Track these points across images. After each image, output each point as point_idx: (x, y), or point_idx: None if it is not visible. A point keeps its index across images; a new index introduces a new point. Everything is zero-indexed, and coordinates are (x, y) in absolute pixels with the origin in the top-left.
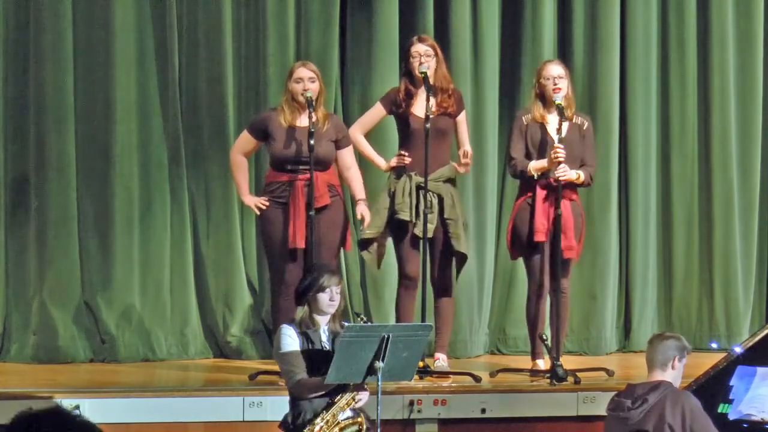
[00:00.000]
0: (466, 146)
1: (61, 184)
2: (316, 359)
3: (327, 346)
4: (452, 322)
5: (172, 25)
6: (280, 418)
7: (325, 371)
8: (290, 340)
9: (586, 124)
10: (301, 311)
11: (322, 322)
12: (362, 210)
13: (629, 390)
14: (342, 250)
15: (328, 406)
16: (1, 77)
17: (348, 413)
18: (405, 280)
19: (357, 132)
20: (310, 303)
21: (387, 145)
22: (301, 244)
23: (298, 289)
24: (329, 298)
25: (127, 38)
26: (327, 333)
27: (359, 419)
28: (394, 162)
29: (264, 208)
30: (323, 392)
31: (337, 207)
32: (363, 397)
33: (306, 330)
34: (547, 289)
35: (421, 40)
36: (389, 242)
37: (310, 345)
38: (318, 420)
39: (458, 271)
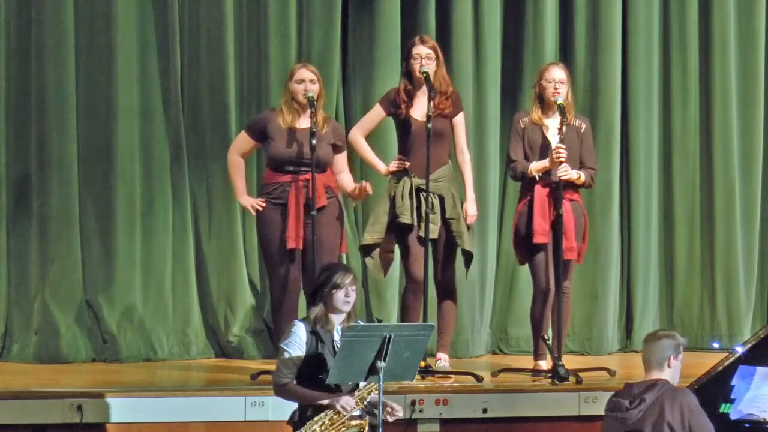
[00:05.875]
0: (463, 147)
1: (62, 184)
2: (325, 362)
3: (339, 346)
4: (455, 323)
5: (173, 25)
6: (281, 417)
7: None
8: (298, 341)
9: (584, 127)
10: (315, 310)
11: (336, 321)
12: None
13: (626, 390)
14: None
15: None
16: (3, 77)
17: (356, 412)
18: (412, 284)
19: (358, 135)
20: (326, 301)
21: (387, 148)
22: (298, 244)
23: (311, 288)
24: (344, 295)
25: (129, 38)
26: (340, 332)
27: (363, 422)
28: (393, 166)
29: (261, 209)
30: (304, 404)
31: (334, 208)
32: (348, 406)
33: (318, 329)
34: (552, 292)
35: (423, 42)
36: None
37: (320, 345)
38: (321, 415)
39: (466, 269)
